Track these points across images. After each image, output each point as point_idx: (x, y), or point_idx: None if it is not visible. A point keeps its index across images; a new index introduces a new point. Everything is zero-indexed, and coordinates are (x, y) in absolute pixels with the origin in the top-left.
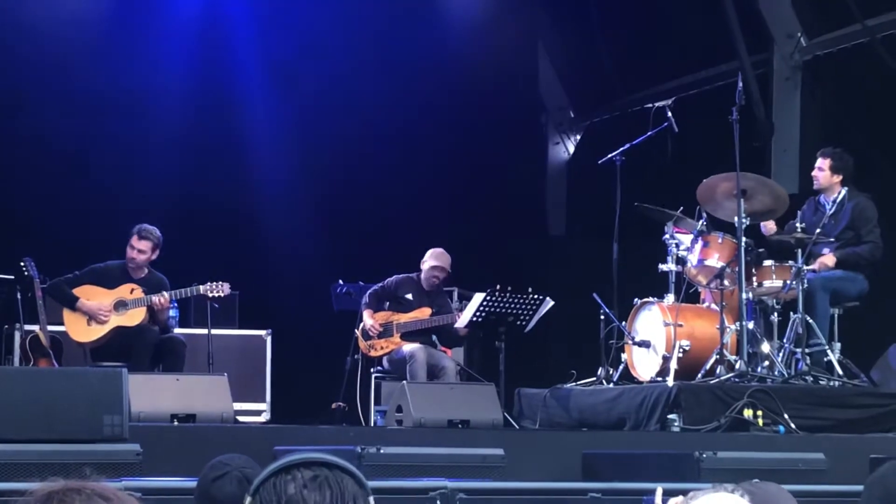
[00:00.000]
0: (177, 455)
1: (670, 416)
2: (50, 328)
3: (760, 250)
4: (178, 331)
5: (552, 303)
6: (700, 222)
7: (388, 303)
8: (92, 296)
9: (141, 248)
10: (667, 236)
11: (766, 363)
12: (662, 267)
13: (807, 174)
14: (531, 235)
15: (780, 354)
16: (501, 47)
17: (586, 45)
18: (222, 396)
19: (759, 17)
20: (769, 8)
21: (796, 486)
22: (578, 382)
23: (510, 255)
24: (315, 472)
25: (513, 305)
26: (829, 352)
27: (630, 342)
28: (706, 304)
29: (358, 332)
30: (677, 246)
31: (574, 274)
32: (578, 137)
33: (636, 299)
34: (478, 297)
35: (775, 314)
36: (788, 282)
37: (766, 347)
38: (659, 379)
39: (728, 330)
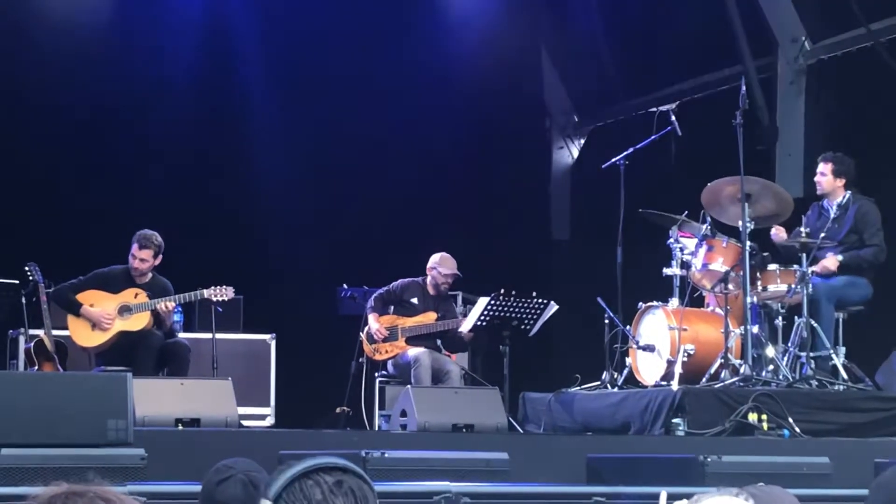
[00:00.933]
0: (181, 459)
1: (675, 420)
2: (54, 332)
3: (765, 254)
4: (182, 335)
5: (556, 307)
6: (704, 226)
7: (392, 307)
8: (96, 301)
9: (142, 258)
10: (671, 240)
11: (771, 367)
12: (667, 271)
13: (811, 178)
14: (535, 240)
15: (785, 358)
16: (505, 52)
17: (590, 50)
18: (227, 401)
19: (763, 21)
20: (773, 12)
21: (801, 490)
22: (583, 386)
23: (514, 259)
24: (337, 477)
25: (517, 310)
26: (833, 356)
27: (634, 346)
28: (711, 308)
29: (363, 336)
30: (682, 250)
31: (578, 278)
32: (582, 142)
33: (640, 303)
34: (482, 302)
35: (780, 318)
36: (793, 286)
37: (770, 351)
38: (663, 383)
39: (733, 334)
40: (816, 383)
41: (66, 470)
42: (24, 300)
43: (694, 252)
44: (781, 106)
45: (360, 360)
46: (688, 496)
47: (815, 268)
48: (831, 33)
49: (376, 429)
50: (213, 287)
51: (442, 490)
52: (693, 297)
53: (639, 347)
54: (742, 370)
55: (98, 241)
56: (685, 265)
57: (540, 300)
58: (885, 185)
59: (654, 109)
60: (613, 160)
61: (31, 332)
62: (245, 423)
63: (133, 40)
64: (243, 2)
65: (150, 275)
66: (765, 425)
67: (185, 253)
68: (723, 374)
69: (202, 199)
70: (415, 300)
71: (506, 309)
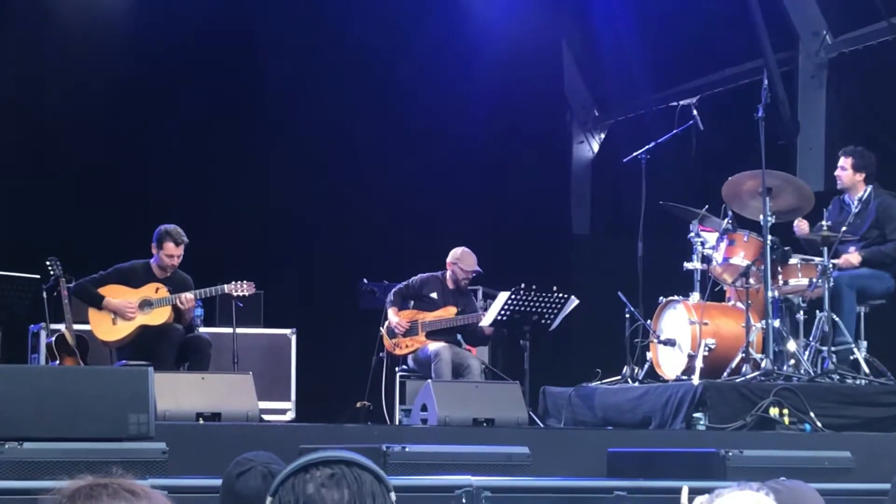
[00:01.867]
0: (202, 453)
1: (696, 415)
2: (76, 327)
3: (786, 248)
4: (202, 330)
5: (577, 301)
6: (725, 220)
7: (412, 301)
8: (117, 295)
9: (179, 254)
10: (692, 234)
11: (792, 361)
12: (688, 265)
13: (832, 172)
14: (556, 234)
15: (806, 353)
16: (526, 46)
17: (611, 44)
18: (247, 395)
19: (784, 14)
20: (794, 6)
21: (823, 484)
22: (603, 381)
23: (535, 253)
24: (333, 470)
25: (537, 304)
26: (855, 350)
27: (655, 341)
28: (731, 302)
29: (383, 331)
30: (702, 244)
31: (599, 272)
32: (603, 136)
33: (661, 298)
34: (502, 296)
35: (801, 312)
36: (814, 280)
37: (791, 346)
38: (684, 377)
39: (754, 328)
40: (838, 377)
41: (87, 464)
42: (44, 295)
43: (715, 246)
44: (802, 100)
45: (381, 354)
46: (709, 491)
47: (837, 261)
48: (852, 27)
49: (397, 423)
50: (233, 282)
51: (463, 484)
52: (714, 292)
53: (659, 342)
54: (763, 364)
55: (118, 235)
56: (706, 259)
57: (560, 294)
58: None
59: (676, 103)
60: (635, 154)
61: (53, 326)
62: (266, 417)
63: (151, 35)
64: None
65: (171, 269)
66: (786, 420)
67: (206, 248)
68: (744, 369)
69: (223, 194)
70: (434, 295)
71: (526, 303)
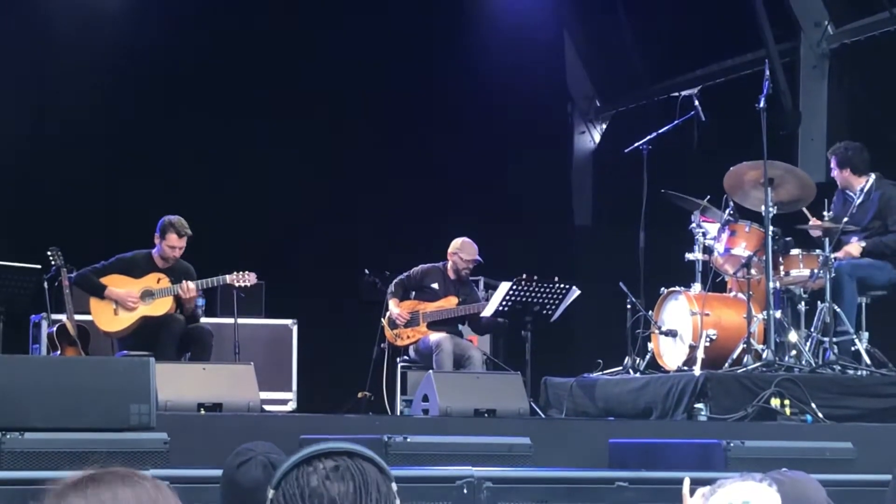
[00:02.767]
0: (204, 444)
1: (697, 406)
2: (77, 317)
3: (788, 239)
4: (204, 320)
5: (578, 292)
6: (727, 211)
7: (413, 292)
8: (119, 285)
9: (182, 246)
10: (693, 225)
11: (794, 352)
12: (689, 256)
13: None
14: (557, 224)
15: (808, 343)
16: (527, 37)
17: (612, 34)
18: (249, 385)
19: (785, 5)
20: None
21: (824, 475)
22: (605, 371)
23: (536, 244)
24: (336, 461)
25: (539, 294)
26: (856, 341)
27: (657, 331)
28: (733, 293)
29: (384, 322)
30: (704, 235)
31: (600, 263)
32: (604, 126)
33: (663, 288)
34: (504, 287)
35: (802, 303)
36: (816, 271)
37: (793, 337)
38: (686, 368)
39: (755, 319)
40: (839, 368)
41: (89, 454)
42: (46, 285)
43: (716, 237)
44: (804, 90)
45: (382, 345)
46: (711, 482)
47: (838, 254)
48: (854, 17)
49: (398, 414)
50: (235, 272)
51: (464, 475)
52: (715, 283)
53: (661, 332)
54: (765, 355)
55: (121, 225)
56: (707, 250)
57: (562, 285)
58: None
59: (677, 94)
60: (636, 145)
61: (54, 316)
62: (267, 407)
63: (149, 30)
64: None
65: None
66: (788, 410)
67: (207, 238)
68: (745, 360)
69: (225, 183)
70: (435, 285)
71: (528, 294)
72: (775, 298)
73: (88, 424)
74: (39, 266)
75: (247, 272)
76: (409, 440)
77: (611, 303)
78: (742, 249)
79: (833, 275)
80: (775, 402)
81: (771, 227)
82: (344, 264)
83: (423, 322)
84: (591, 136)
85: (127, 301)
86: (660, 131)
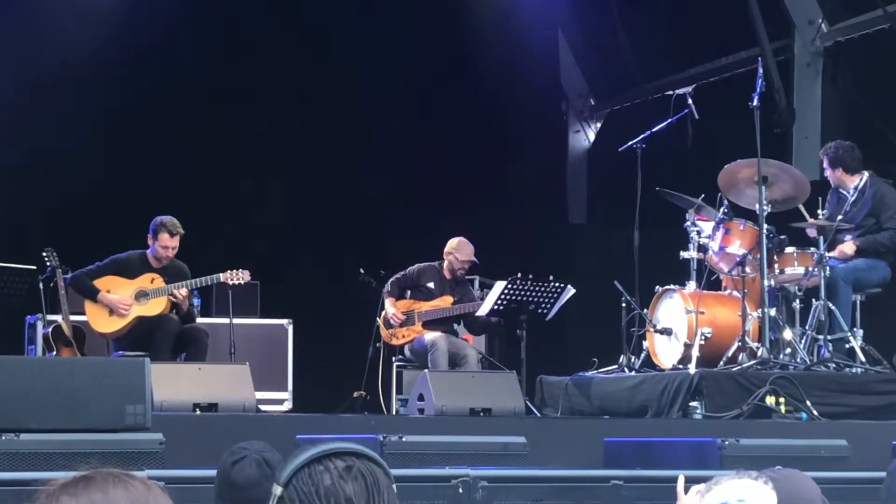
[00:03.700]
0: (199, 444)
1: (692, 404)
2: (72, 318)
3: (782, 237)
4: (199, 320)
5: (573, 291)
6: (721, 209)
7: (409, 291)
8: (113, 286)
9: (174, 246)
10: (688, 224)
11: (789, 350)
12: (684, 254)
13: None
14: (552, 223)
15: (803, 341)
16: (522, 35)
17: (607, 33)
18: (244, 385)
19: (779, 3)
20: None
21: (819, 472)
22: (600, 370)
23: (531, 242)
24: (347, 462)
25: (534, 293)
26: (851, 338)
27: (652, 330)
28: (728, 291)
29: (380, 321)
30: (699, 233)
31: (595, 261)
32: (599, 125)
33: (658, 287)
34: (499, 286)
35: (797, 301)
36: (810, 269)
37: (788, 334)
38: (681, 366)
39: (750, 317)
40: (834, 366)
41: (84, 455)
42: (41, 286)
43: (711, 235)
44: (798, 88)
45: (378, 344)
46: (706, 480)
47: (832, 253)
48: (848, 15)
49: (394, 413)
50: (229, 271)
51: (459, 474)
52: (710, 281)
53: (656, 331)
54: (759, 353)
55: (115, 226)
56: (702, 248)
57: (557, 284)
58: None
59: (671, 92)
60: (630, 143)
61: (49, 317)
62: (263, 407)
63: (145, 25)
64: None
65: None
66: (782, 408)
67: (203, 238)
68: (740, 358)
69: (219, 182)
70: (431, 284)
71: (523, 293)
72: (770, 296)
73: (84, 425)
74: (35, 267)
75: (240, 270)
76: (404, 439)
77: (606, 301)
78: (736, 247)
79: (828, 276)
80: (770, 400)
81: (765, 225)
82: (339, 264)
83: (419, 321)
84: (586, 135)
85: (119, 307)
86: (654, 130)
